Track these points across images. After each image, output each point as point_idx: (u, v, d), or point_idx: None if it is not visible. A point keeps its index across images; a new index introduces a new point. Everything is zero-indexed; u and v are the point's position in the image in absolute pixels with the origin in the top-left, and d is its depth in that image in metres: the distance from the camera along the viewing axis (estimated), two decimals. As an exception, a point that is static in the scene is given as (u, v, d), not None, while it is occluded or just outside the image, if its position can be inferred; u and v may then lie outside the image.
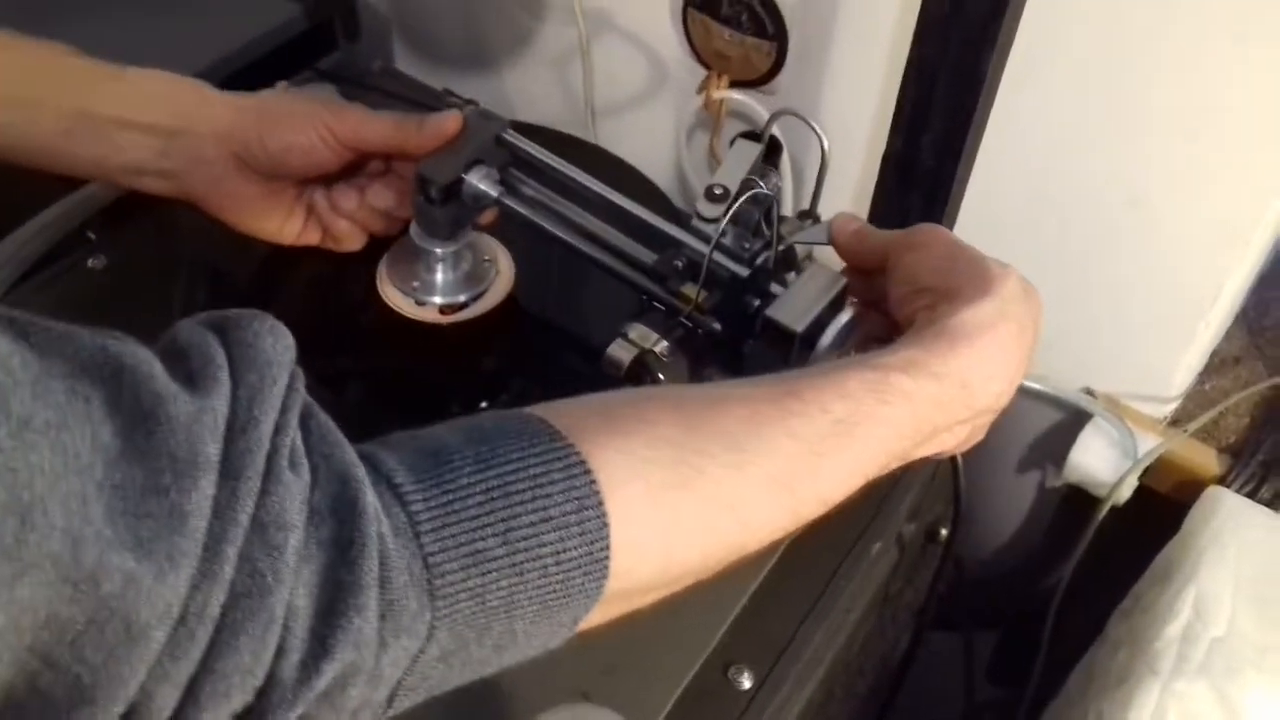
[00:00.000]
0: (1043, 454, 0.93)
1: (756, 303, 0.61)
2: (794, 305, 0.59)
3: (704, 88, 0.88)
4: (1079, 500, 0.86)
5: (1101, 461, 0.82)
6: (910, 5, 0.77)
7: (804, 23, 0.85)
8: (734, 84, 0.89)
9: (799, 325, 0.58)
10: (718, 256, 0.63)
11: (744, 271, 0.62)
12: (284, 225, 0.73)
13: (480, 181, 0.68)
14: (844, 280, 0.61)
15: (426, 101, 0.93)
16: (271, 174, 0.70)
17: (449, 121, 0.69)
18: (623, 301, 0.70)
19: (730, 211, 0.64)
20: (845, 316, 0.58)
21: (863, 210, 0.83)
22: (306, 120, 0.68)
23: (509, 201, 0.68)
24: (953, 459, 0.73)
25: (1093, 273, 0.83)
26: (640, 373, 0.62)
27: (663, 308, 0.64)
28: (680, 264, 0.63)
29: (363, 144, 0.70)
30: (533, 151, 0.69)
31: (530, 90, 1.05)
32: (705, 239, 0.64)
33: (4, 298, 0.74)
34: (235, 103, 0.70)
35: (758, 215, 0.63)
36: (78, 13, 0.90)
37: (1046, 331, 0.89)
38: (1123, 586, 0.84)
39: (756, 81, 0.90)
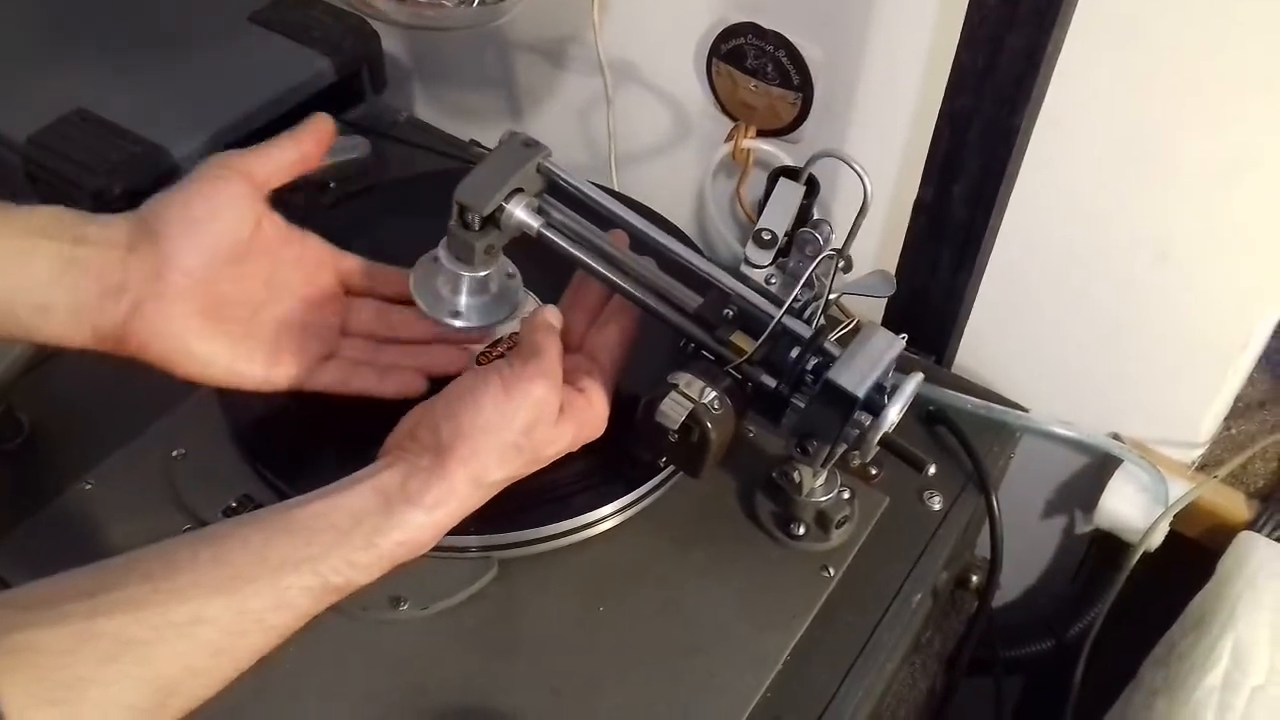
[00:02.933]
0: (1069, 499, 0.93)
1: (814, 361, 0.61)
2: (856, 368, 0.59)
3: (732, 137, 0.89)
4: (1107, 545, 0.87)
5: (1133, 507, 0.82)
6: (936, 57, 0.79)
7: (829, 74, 0.86)
8: (759, 133, 0.90)
9: (860, 390, 0.58)
10: (766, 306, 0.63)
11: (806, 332, 0.62)
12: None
13: (521, 211, 0.66)
14: (902, 341, 0.61)
15: (453, 152, 0.94)
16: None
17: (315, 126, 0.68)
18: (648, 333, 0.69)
19: (776, 259, 0.64)
20: (911, 384, 0.58)
21: (889, 258, 0.84)
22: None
23: (549, 234, 0.67)
24: (989, 507, 0.74)
25: (1119, 321, 0.84)
26: (691, 427, 0.62)
27: (710, 356, 0.64)
28: (731, 313, 0.64)
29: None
30: (575, 183, 0.68)
31: (552, 139, 1.05)
32: (754, 285, 0.64)
33: None
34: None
35: (809, 267, 0.63)
36: (105, 68, 0.91)
37: (1073, 377, 0.90)
38: (1153, 632, 0.84)
39: (781, 131, 0.90)
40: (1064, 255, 0.83)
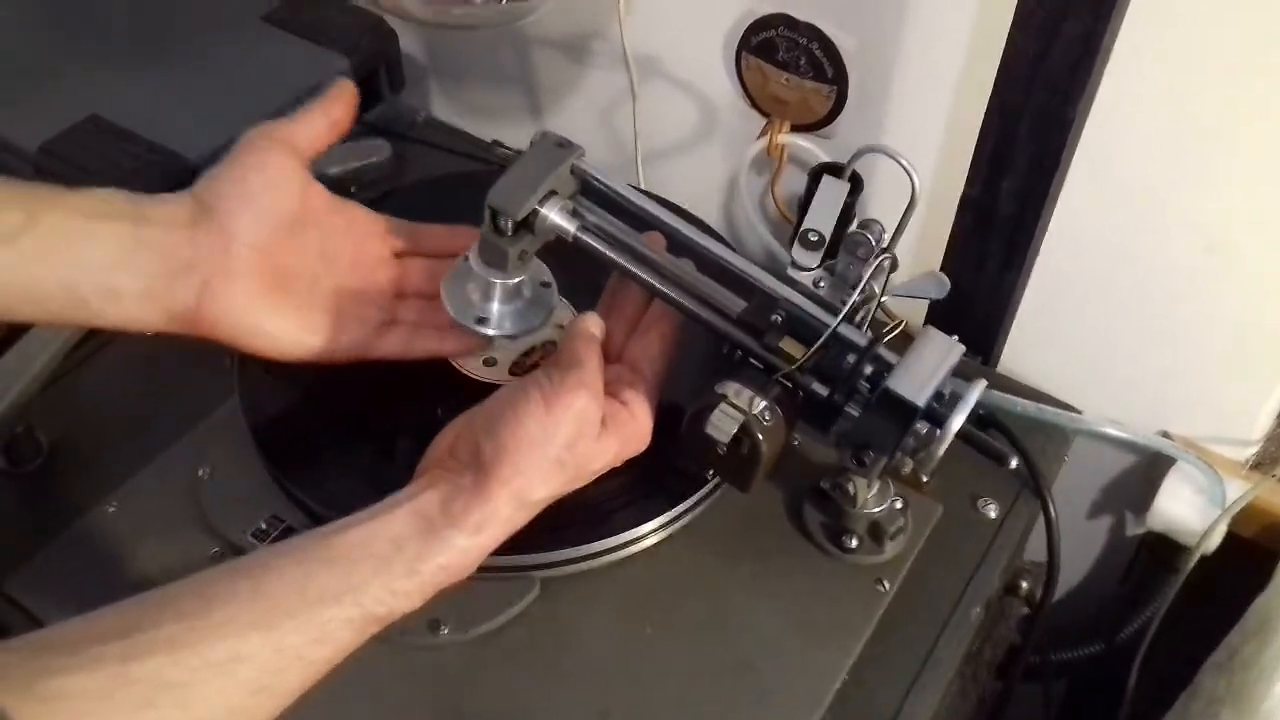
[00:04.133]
0: (1116, 499, 0.91)
1: (869, 369, 0.58)
2: (914, 376, 0.56)
3: (766, 132, 0.86)
4: (1160, 547, 0.84)
5: (1189, 508, 0.79)
6: (977, 47, 0.76)
7: (864, 66, 0.83)
8: (792, 129, 0.87)
9: (920, 399, 0.56)
10: (816, 312, 0.61)
11: (860, 338, 0.59)
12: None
13: (556, 215, 0.64)
14: (961, 346, 0.58)
15: (475, 153, 0.92)
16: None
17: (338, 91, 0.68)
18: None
19: (824, 261, 0.62)
20: (974, 392, 0.56)
21: (928, 257, 0.82)
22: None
23: (585, 237, 0.65)
24: (1046, 513, 0.71)
25: (1168, 315, 0.81)
26: (742, 439, 0.59)
27: (757, 364, 0.62)
28: (779, 318, 0.61)
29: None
30: (611, 184, 0.66)
31: (574, 137, 1.02)
32: (802, 289, 0.62)
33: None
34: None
35: (860, 269, 0.61)
36: (117, 73, 0.88)
37: (1119, 373, 0.87)
38: (1205, 636, 0.82)
39: (814, 126, 0.88)
40: (1109, 247, 0.80)
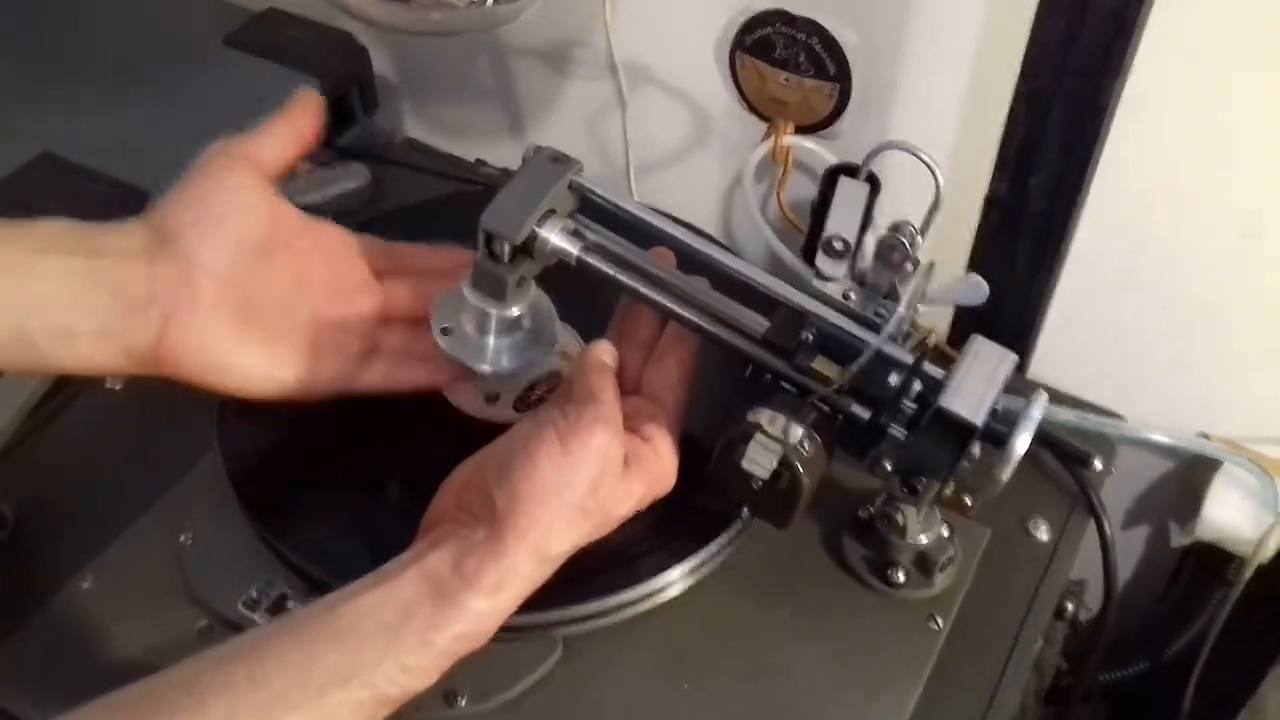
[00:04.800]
0: (1156, 509, 0.86)
1: (917, 387, 0.53)
2: (969, 392, 0.51)
3: (769, 135, 0.81)
4: (1208, 557, 0.79)
5: (1240, 514, 0.75)
6: (992, 34, 0.71)
7: (868, 60, 0.78)
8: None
9: (978, 418, 0.50)
10: (851, 327, 0.55)
11: (908, 356, 0.54)
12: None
13: (557, 236, 0.59)
14: (1014, 357, 0.53)
15: (459, 173, 0.86)
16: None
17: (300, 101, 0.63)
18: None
19: (853, 267, 0.57)
20: (1038, 407, 0.51)
21: (947, 259, 0.77)
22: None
23: (590, 259, 0.60)
24: (1101, 532, 0.66)
25: (1204, 306, 0.76)
26: (781, 473, 0.54)
27: (791, 388, 0.56)
28: (810, 336, 0.56)
29: None
30: (613, 199, 0.61)
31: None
32: (832, 302, 0.57)
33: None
34: None
35: (892, 276, 0.56)
36: (71, 106, 0.83)
37: (1152, 372, 0.83)
38: (1258, 650, 0.77)
39: (816, 127, 0.83)
40: (1141, 239, 0.76)
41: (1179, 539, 0.80)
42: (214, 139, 0.79)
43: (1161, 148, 0.70)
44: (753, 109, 0.84)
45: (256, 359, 0.59)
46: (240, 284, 0.58)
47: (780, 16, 0.79)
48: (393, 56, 0.99)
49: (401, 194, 0.83)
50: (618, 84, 0.88)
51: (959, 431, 0.51)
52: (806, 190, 0.84)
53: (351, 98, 0.86)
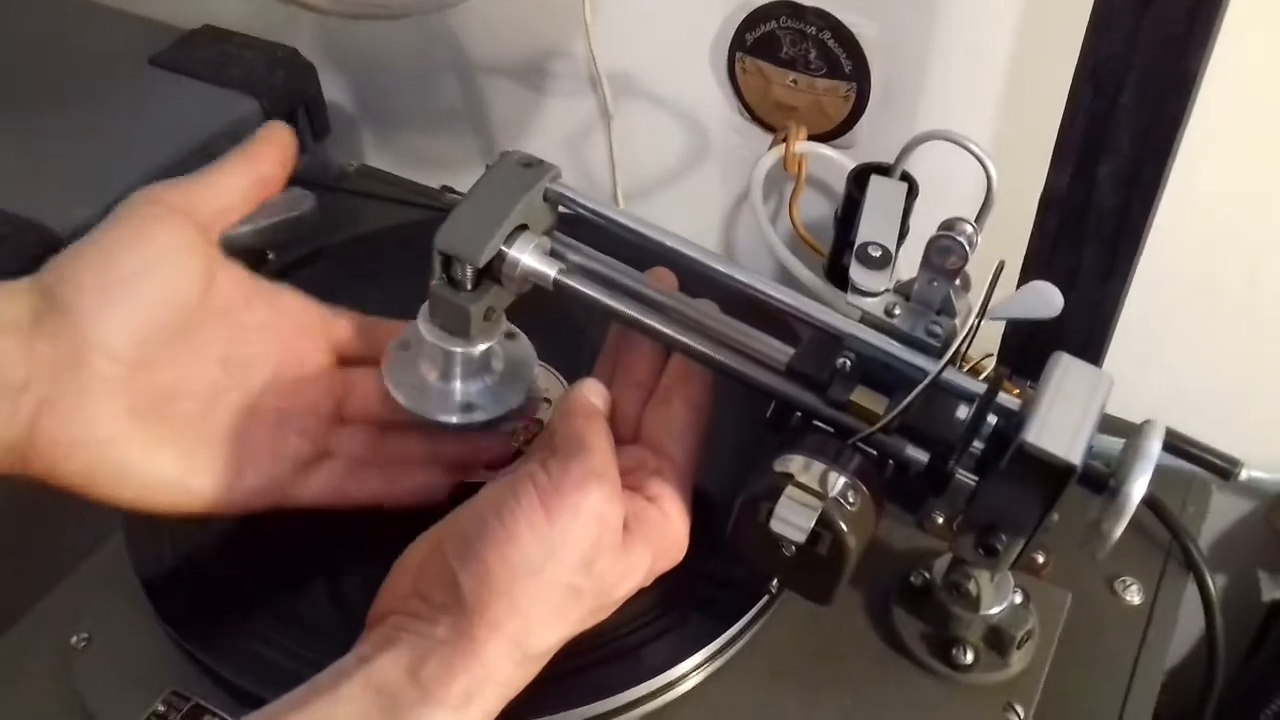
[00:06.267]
0: (1242, 555, 0.74)
1: (994, 420, 0.42)
2: (1060, 425, 0.40)
3: (779, 142, 0.70)
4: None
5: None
6: (1031, 16, 0.61)
7: (889, 54, 0.68)
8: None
9: (1075, 456, 0.39)
10: (898, 350, 0.44)
11: (977, 387, 0.43)
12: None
13: (530, 256, 0.48)
14: (1110, 379, 0.42)
15: (420, 200, 0.75)
16: None
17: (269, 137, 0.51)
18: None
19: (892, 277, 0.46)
20: (1155, 440, 0.39)
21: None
22: None
23: (571, 282, 0.49)
24: (1204, 591, 0.54)
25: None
26: (821, 534, 0.42)
27: (827, 428, 0.45)
28: (847, 363, 0.45)
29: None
30: (599, 208, 0.50)
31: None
32: (872, 320, 0.46)
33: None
34: None
35: (946, 284, 0.45)
36: (29, 107, 0.72)
37: (1220, 397, 0.72)
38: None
39: (829, 135, 0.72)
40: (1220, 249, 0.65)
41: (1271, 591, 0.68)
42: (137, 168, 0.69)
43: (1235, 144, 0.60)
44: (756, 118, 0.74)
45: (162, 464, 0.46)
46: (150, 368, 0.45)
47: (786, 8, 0.69)
48: (348, 81, 0.89)
49: (353, 225, 0.72)
50: (601, 97, 0.78)
51: (1051, 474, 0.40)
52: (820, 210, 0.74)
53: (298, 120, 0.75)
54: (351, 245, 0.68)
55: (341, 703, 0.38)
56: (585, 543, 0.41)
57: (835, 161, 0.70)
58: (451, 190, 0.78)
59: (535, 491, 0.41)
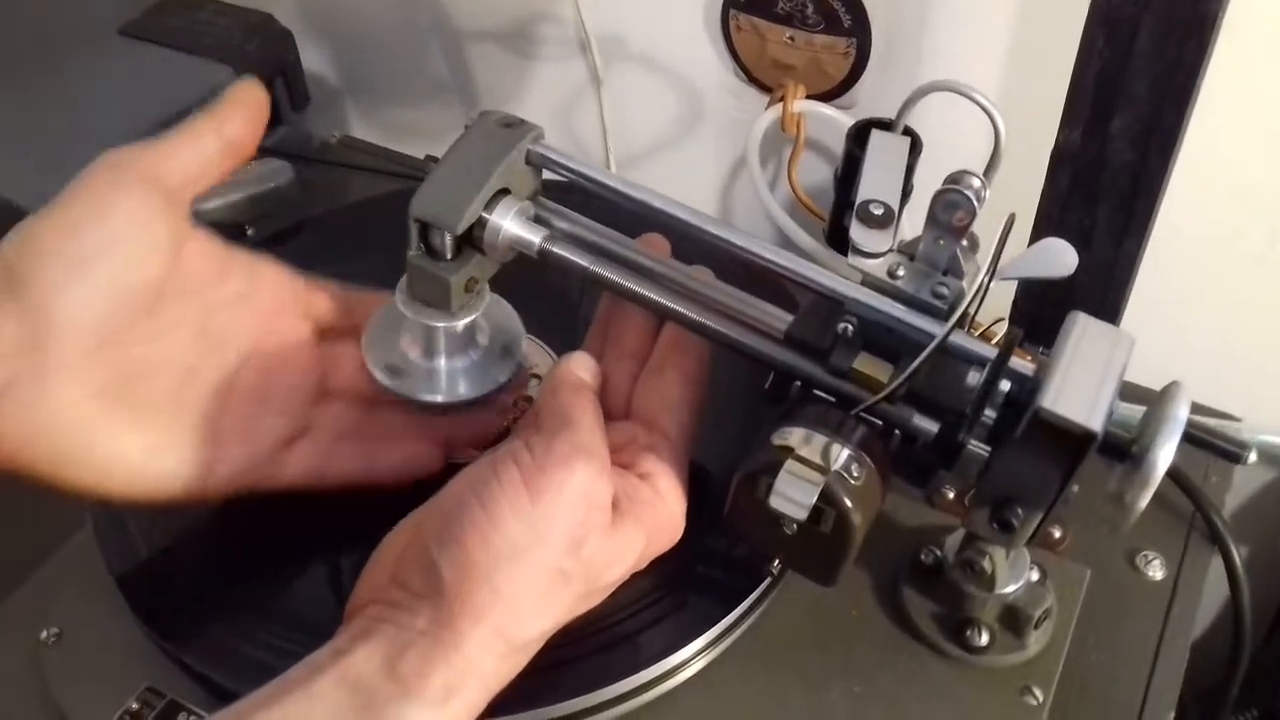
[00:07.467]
0: (1266, 527, 0.72)
1: (1007, 386, 0.39)
2: (1078, 390, 0.37)
3: (776, 101, 0.67)
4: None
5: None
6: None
7: (890, 8, 0.65)
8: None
9: (1096, 422, 0.36)
10: (903, 313, 0.42)
11: (988, 351, 0.40)
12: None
13: (513, 221, 0.46)
14: (1130, 339, 0.40)
15: (402, 170, 0.73)
16: None
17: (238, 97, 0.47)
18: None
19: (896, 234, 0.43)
20: (1181, 405, 0.37)
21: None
22: None
23: (558, 249, 0.46)
24: (1230, 566, 0.52)
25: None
26: (823, 511, 0.40)
27: (829, 397, 0.42)
28: (849, 328, 0.42)
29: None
30: (586, 170, 0.47)
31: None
32: (875, 282, 0.43)
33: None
34: None
35: (954, 241, 0.42)
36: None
37: (1250, 372, 0.69)
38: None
39: (829, 94, 0.69)
40: (1240, 208, 0.62)
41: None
42: (105, 141, 0.66)
43: (1257, 96, 0.57)
44: (752, 78, 0.71)
45: (128, 446, 0.43)
46: (117, 345, 0.43)
47: (781, -39, 0.66)
48: (330, 51, 0.86)
49: (334, 197, 0.70)
50: (591, 61, 0.75)
51: (1070, 442, 0.37)
52: (820, 174, 0.71)
53: (276, 90, 0.73)
54: (333, 217, 0.66)
55: (314, 699, 0.35)
56: (572, 523, 0.38)
57: (836, 122, 0.67)
58: (436, 159, 0.75)
59: (518, 470, 0.39)
